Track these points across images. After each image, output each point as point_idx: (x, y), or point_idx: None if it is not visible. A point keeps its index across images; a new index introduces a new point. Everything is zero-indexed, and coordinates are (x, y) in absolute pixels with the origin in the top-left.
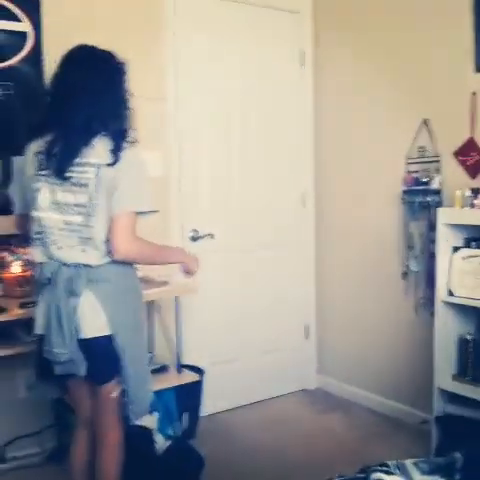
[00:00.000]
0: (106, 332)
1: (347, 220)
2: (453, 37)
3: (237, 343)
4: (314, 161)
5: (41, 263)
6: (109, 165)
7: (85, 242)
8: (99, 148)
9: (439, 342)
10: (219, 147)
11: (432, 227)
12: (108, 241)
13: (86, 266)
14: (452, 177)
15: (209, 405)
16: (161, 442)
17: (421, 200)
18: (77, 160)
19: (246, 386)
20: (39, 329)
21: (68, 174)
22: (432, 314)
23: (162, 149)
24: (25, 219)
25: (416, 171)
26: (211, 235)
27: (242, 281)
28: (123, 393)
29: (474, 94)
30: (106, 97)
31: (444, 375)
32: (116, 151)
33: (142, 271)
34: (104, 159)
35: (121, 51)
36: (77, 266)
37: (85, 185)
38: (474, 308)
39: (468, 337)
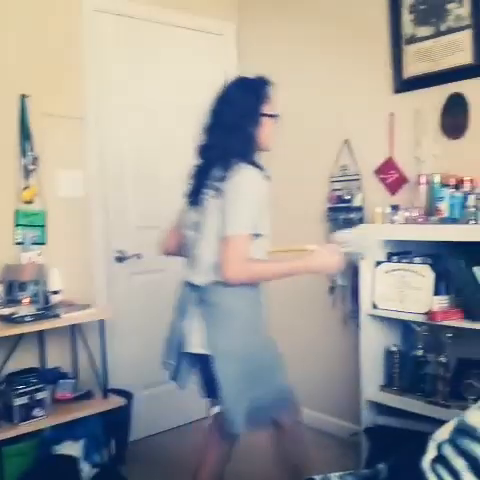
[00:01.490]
0: (206, 351)
1: (275, 237)
2: (372, 61)
3: None
4: None
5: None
6: (220, 191)
7: (194, 260)
8: (216, 175)
9: (365, 354)
10: (145, 165)
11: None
12: (217, 263)
13: (194, 286)
14: (373, 194)
15: (140, 429)
16: (87, 470)
17: (345, 217)
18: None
19: (179, 407)
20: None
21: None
22: (359, 327)
23: (82, 168)
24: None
25: (339, 189)
26: (138, 255)
27: (171, 301)
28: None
29: (392, 115)
30: (237, 128)
31: (372, 386)
32: (221, 181)
33: (64, 295)
34: (218, 185)
35: (38, 70)
36: (189, 285)
37: (201, 207)
38: (398, 320)
39: (393, 348)
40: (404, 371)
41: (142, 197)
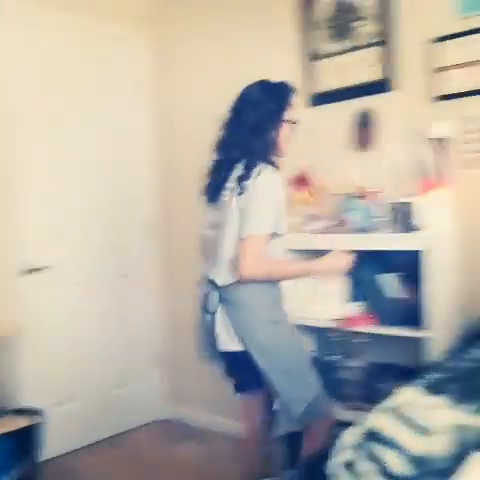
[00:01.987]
0: (239, 347)
1: (195, 246)
2: (284, 74)
3: (83, 379)
4: (160, 189)
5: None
6: (238, 195)
7: (214, 258)
8: (236, 174)
9: None
10: (56, 174)
11: None
12: (235, 262)
13: (217, 285)
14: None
15: (53, 448)
16: None
17: None
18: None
19: (95, 423)
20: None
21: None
22: None
23: None
24: None
25: None
26: (48, 267)
27: (85, 314)
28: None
29: (306, 128)
30: (260, 130)
31: None
32: (241, 181)
33: None
34: (237, 186)
35: None
36: (211, 284)
37: (223, 207)
38: (313, 327)
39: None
40: (320, 377)
41: (54, 209)
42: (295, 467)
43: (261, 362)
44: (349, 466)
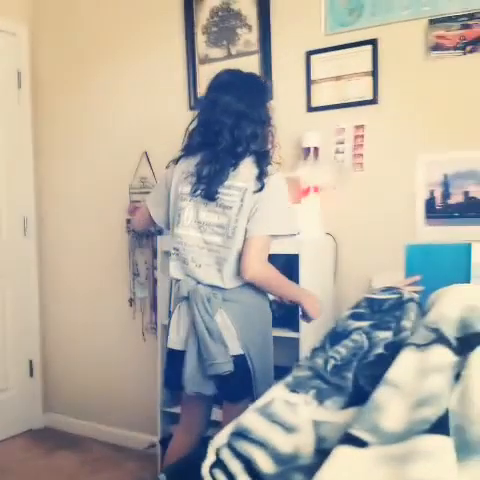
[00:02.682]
0: (239, 352)
1: (73, 249)
2: (169, 78)
3: None
4: (34, 188)
5: (178, 280)
6: (255, 192)
7: (221, 262)
8: (245, 172)
9: (162, 365)
10: None
11: (155, 255)
12: (239, 261)
13: (220, 288)
14: None
15: None
16: None
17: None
18: (224, 182)
19: None
20: (177, 344)
21: (216, 196)
22: (158, 338)
23: None
24: (150, 223)
25: (138, 201)
26: None
27: None
28: None
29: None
30: (249, 119)
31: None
32: (261, 177)
33: None
34: (250, 184)
35: None
36: (213, 286)
37: (229, 207)
38: None
39: None
40: None
41: None
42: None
43: (260, 366)
44: (219, 466)
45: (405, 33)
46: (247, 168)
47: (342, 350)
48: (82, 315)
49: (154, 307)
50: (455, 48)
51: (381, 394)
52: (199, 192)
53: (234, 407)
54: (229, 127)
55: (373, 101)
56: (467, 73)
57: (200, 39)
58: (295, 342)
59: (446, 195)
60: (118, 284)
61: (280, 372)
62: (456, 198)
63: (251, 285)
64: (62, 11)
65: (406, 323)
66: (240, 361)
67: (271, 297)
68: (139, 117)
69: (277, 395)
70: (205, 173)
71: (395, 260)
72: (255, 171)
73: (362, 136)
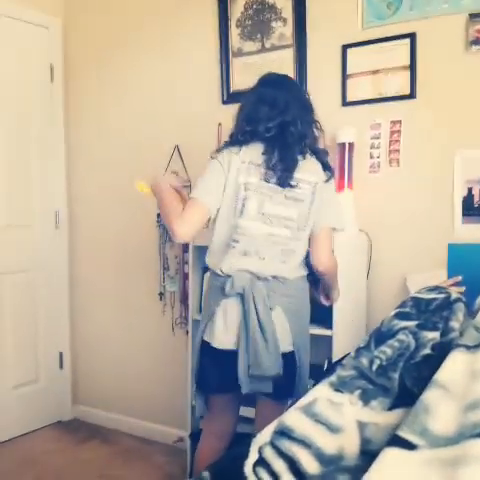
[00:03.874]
0: (291, 347)
1: (104, 243)
2: (203, 71)
3: None
4: (66, 182)
5: (230, 274)
6: (325, 182)
7: (287, 254)
8: (312, 165)
9: (193, 359)
10: None
11: (186, 249)
12: (308, 254)
13: (281, 279)
14: None
15: None
16: None
17: None
18: (295, 174)
19: None
20: (227, 344)
21: (292, 183)
22: (188, 333)
23: None
24: (203, 221)
25: None
26: None
27: None
28: None
29: (220, 125)
30: (309, 116)
31: None
32: (328, 169)
33: None
34: (320, 177)
35: None
36: (272, 279)
37: (300, 200)
38: None
39: None
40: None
41: None
42: (207, 469)
43: (304, 362)
44: (262, 465)
45: (444, 27)
46: (312, 161)
47: (388, 350)
48: (112, 309)
49: (184, 301)
50: None
51: (430, 396)
52: (273, 180)
53: (275, 405)
54: (290, 122)
55: (410, 96)
56: None
57: (234, 32)
58: (327, 340)
59: None
60: (148, 278)
61: (311, 370)
62: None
63: (304, 277)
64: (95, 4)
65: (454, 324)
66: (289, 358)
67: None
68: (171, 111)
69: (321, 394)
70: (274, 162)
71: (430, 259)
72: (318, 165)
73: (399, 131)
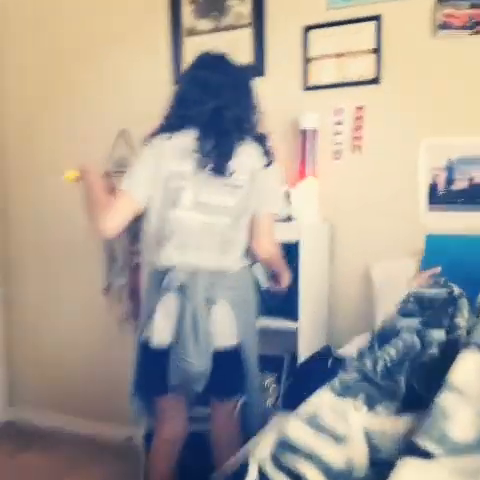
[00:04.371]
0: (235, 341)
1: (42, 234)
2: (152, 50)
3: None
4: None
5: (169, 268)
6: (264, 167)
7: (227, 244)
8: (250, 150)
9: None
10: None
11: (134, 239)
12: (249, 242)
13: (223, 272)
14: None
15: None
16: None
17: None
18: (231, 161)
19: None
20: (161, 342)
21: (228, 171)
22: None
23: None
24: (131, 214)
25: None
26: None
27: None
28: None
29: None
30: (246, 100)
31: None
32: (267, 154)
33: None
34: (258, 162)
35: None
36: (215, 272)
37: (239, 187)
38: None
39: None
40: None
41: None
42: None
43: (251, 356)
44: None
45: (411, 10)
46: (251, 147)
47: (392, 350)
48: (52, 303)
49: (133, 296)
50: (463, 27)
51: (445, 400)
52: (208, 168)
53: (226, 404)
54: (233, 104)
55: (375, 81)
56: (476, 54)
57: (186, 9)
58: (289, 332)
59: (450, 181)
60: (94, 270)
61: (271, 362)
62: (460, 184)
63: (248, 268)
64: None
65: (460, 321)
66: (233, 353)
67: (265, 285)
68: (118, 93)
69: (323, 401)
70: (209, 148)
71: (395, 248)
72: (259, 150)
73: (362, 117)
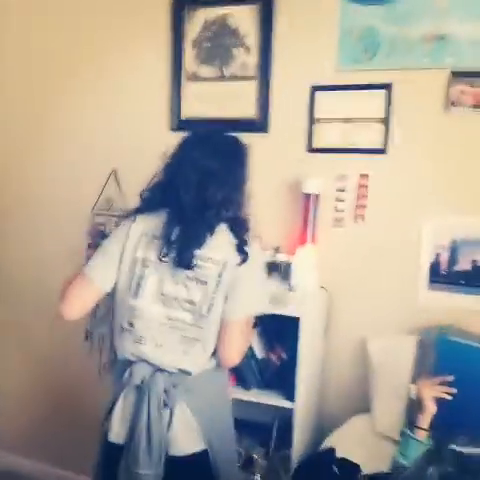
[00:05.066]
0: (200, 447)
1: (23, 278)
2: (151, 93)
3: None
4: None
5: (129, 361)
6: (238, 264)
7: (189, 343)
8: (222, 241)
9: None
10: None
11: None
12: (216, 346)
13: (184, 373)
14: None
15: None
16: None
17: None
18: (198, 251)
19: None
20: (118, 437)
21: (192, 263)
22: None
23: None
24: (94, 299)
25: (103, 223)
26: None
27: None
28: None
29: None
30: (220, 180)
31: None
32: (242, 247)
33: None
34: (231, 256)
35: None
36: (174, 374)
37: (203, 282)
38: None
39: None
40: None
41: None
42: None
43: (225, 459)
44: None
45: (423, 82)
46: (223, 237)
47: None
48: (35, 350)
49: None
50: (476, 106)
51: None
52: (169, 258)
53: None
54: (195, 184)
55: (382, 151)
56: None
57: (188, 54)
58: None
59: (453, 261)
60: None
61: (256, 427)
62: (463, 265)
63: (216, 369)
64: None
65: None
66: (200, 459)
67: (260, 355)
68: (112, 132)
69: None
70: (175, 237)
71: (393, 323)
72: (233, 241)
73: (366, 186)
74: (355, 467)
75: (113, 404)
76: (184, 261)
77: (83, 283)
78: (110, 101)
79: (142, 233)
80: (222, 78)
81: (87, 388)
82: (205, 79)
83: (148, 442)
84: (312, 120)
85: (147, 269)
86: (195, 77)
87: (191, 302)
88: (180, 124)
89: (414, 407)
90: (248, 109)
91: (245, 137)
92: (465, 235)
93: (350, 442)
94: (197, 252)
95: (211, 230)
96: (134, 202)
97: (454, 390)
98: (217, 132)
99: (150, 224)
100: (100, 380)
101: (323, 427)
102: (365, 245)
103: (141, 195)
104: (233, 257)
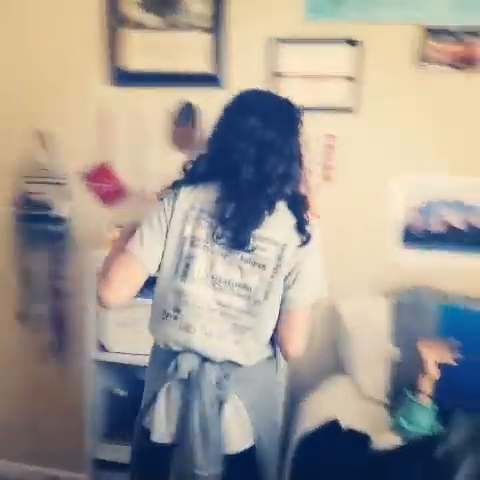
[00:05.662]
0: (249, 443)
1: None
2: (85, 41)
3: None
4: None
5: (174, 352)
6: (300, 246)
7: (241, 331)
8: (282, 220)
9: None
10: None
11: (57, 260)
12: (275, 336)
13: (235, 364)
14: (82, 204)
15: None
16: None
17: (42, 228)
18: (257, 231)
19: None
20: (164, 437)
21: (250, 245)
22: (64, 363)
23: None
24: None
25: (36, 193)
26: None
27: None
28: None
29: (107, 111)
30: (280, 153)
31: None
32: (303, 226)
33: None
34: (291, 237)
35: None
36: (225, 364)
37: (261, 265)
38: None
39: (120, 393)
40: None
41: None
42: None
43: (269, 459)
44: None
45: (395, 36)
46: (282, 216)
47: None
48: None
49: (58, 327)
50: (449, 64)
51: None
52: (224, 239)
53: None
54: (254, 158)
55: (349, 109)
56: (459, 92)
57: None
58: None
59: (425, 219)
60: (2, 295)
61: None
62: (436, 223)
63: (270, 360)
64: None
65: None
66: (247, 457)
67: None
68: (34, 85)
69: None
70: (229, 214)
71: (364, 284)
72: (292, 220)
73: (333, 146)
74: (364, 438)
75: (152, 400)
76: (241, 242)
77: (128, 264)
78: (30, 43)
79: (189, 208)
80: (171, 27)
81: (26, 378)
82: (150, 28)
83: (204, 440)
84: (272, 74)
85: (196, 249)
86: (138, 25)
87: (245, 287)
88: (122, 78)
89: (416, 370)
90: (202, 62)
91: (199, 93)
92: (436, 193)
93: (335, 406)
94: (255, 232)
95: (271, 208)
96: (72, 167)
97: (459, 356)
98: (266, 95)
99: (197, 198)
100: (45, 368)
101: (293, 388)
102: (334, 206)
103: (184, 167)
104: (293, 238)
